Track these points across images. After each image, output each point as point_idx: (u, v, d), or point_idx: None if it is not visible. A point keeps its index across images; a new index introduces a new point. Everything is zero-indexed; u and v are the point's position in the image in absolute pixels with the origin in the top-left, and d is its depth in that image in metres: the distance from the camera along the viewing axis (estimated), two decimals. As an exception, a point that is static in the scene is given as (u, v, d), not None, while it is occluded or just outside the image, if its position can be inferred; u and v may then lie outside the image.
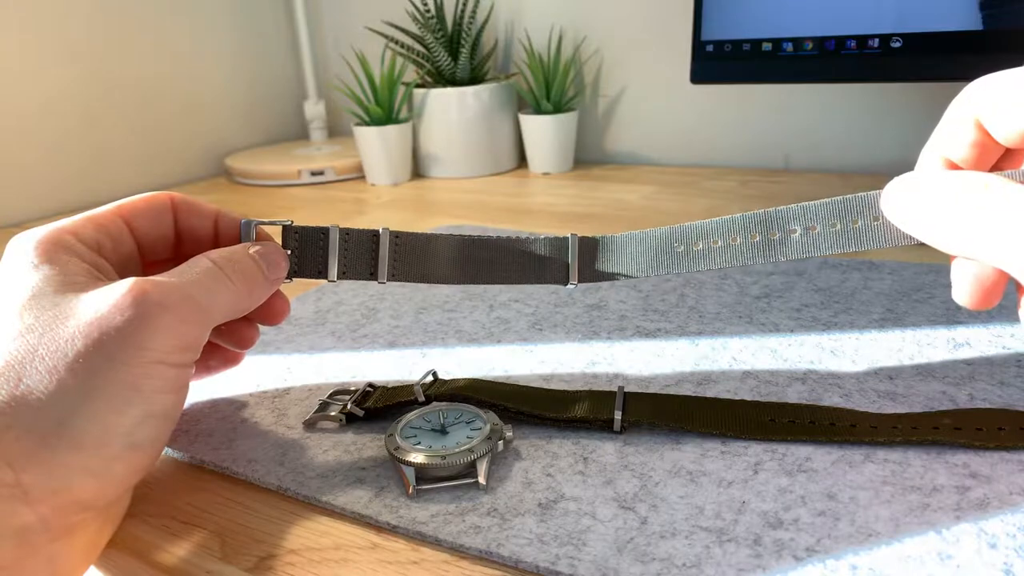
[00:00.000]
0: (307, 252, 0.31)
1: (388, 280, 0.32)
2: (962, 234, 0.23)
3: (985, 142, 0.24)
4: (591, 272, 0.32)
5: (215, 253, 0.28)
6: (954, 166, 0.26)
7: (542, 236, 0.32)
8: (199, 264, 0.27)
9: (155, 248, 0.31)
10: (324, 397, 0.33)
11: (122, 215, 0.29)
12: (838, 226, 0.28)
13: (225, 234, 0.31)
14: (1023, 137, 0.23)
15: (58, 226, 0.27)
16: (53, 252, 0.26)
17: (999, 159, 0.25)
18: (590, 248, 0.32)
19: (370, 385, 0.34)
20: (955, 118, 0.25)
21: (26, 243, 0.26)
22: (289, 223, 0.31)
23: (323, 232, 0.31)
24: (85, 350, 0.23)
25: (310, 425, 0.32)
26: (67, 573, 0.24)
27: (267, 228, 0.32)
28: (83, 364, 0.23)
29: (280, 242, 0.31)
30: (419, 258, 0.32)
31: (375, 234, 0.31)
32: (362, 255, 0.32)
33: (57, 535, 0.23)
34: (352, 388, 0.34)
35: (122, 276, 0.27)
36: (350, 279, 0.32)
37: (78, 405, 0.23)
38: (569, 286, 0.32)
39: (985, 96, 0.24)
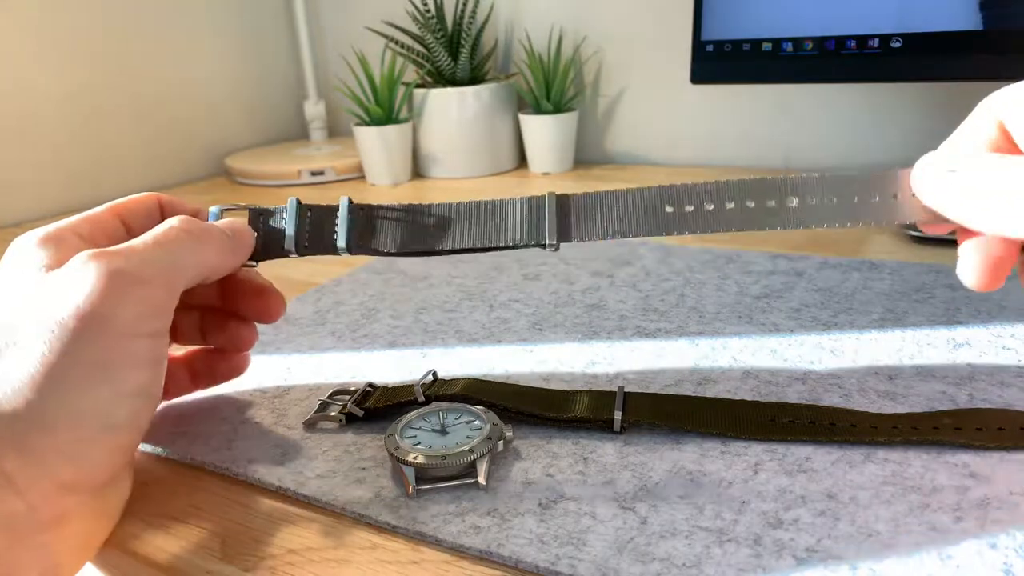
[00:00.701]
0: (271, 231, 0.31)
1: (353, 252, 0.31)
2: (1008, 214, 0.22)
3: (1006, 147, 0.24)
4: (571, 231, 0.30)
5: (178, 217, 0.28)
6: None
7: (518, 198, 0.31)
8: (160, 228, 0.27)
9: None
10: (324, 397, 0.33)
11: (116, 213, 0.30)
12: (835, 200, 0.27)
13: None
14: None
15: (57, 224, 0.28)
16: (49, 243, 0.26)
17: None
18: (570, 207, 0.30)
19: (370, 385, 0.33)
20: (978, 120, 0.25)
21: (27, 238, 0.27)
22: (253, 206, 0.31)
23: (283, 210, 0.31)
24: (50, 329, 0.23)
25: (310, 425, 0.32)
26: (61, 566, 0.24)
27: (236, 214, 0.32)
28: (49, 344, 0.23)
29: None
30: (381, 230, 0.31)
31: (335, 208, 0.31)
32: (323, 228, 0.31)
33: (47, 524, 0.23)
34: (352, 388, 0.34)
35: None
36: (312, 254, 0.31)
37: (47, 387, 0.22)
38: (548, 249, 0.30)
39: (1011, 101, 0.24)
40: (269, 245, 0.31)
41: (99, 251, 0.24)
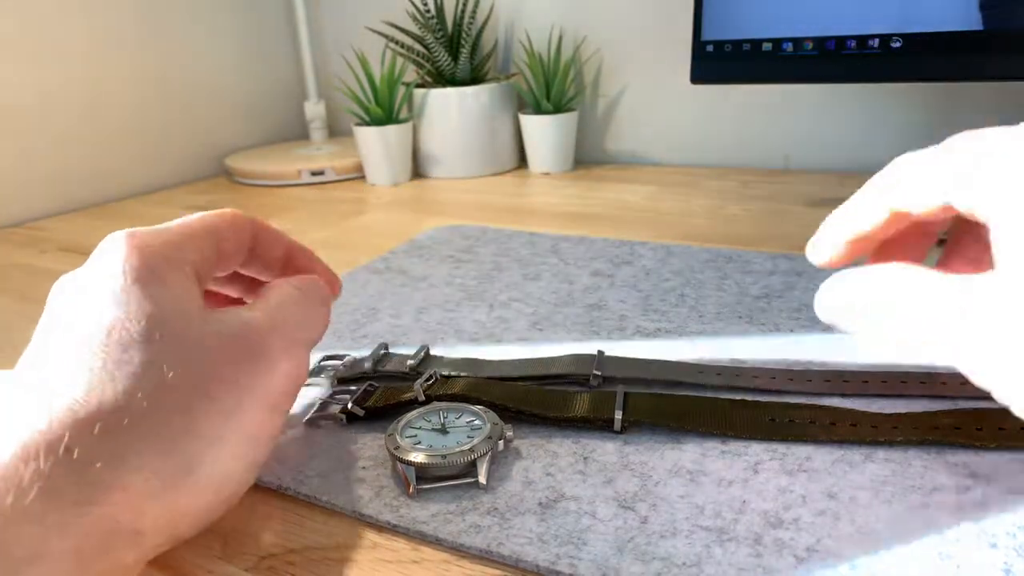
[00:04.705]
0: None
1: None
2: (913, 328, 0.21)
3: (895, 219, 0.24)
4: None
5: (296, 280, 0.29)
6: (863, 239, 0.25)
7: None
8: (290, 295, 0.27)
9: (227, 266, 0.29)
10: (325, 396, 0.33)
11: (213, 232, 0.27)
12: None
13: (292, 263, 0.31)
14: (930, 213, 0.22)
15: (164, 240, 0.25)
16: (166, 271, 0.24)
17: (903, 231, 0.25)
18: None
19: (371, 384, 0.33)
20: (868, 193, 0.24)
21: (135, 256, 0.24)
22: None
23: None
24: (217, 392, 0.23)
25: (311, 424, 0.32)
26: None
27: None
28: (215, 407, 0.22)
29: None
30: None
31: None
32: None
33: (140, 567, 0.23)
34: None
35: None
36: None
37: (204, 450, 0.22)
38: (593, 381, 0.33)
39: (897, 178, 0.23)
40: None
41: (263, 322, 0.25)
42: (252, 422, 0.24)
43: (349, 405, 0.32)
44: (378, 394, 0.33)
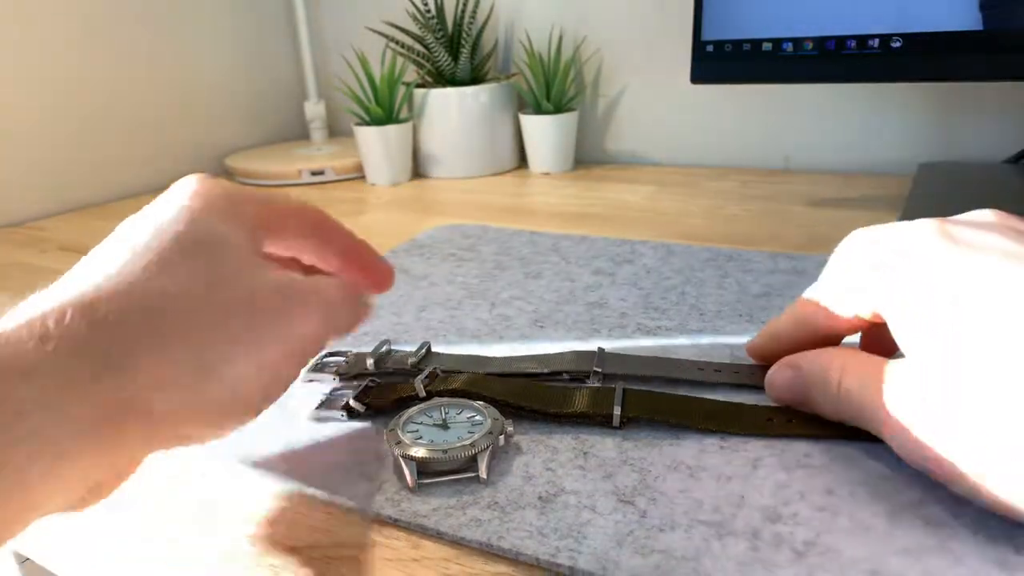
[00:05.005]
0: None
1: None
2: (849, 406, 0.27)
3: (817, 338, 0.30)
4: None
5: (342, 279, 0.30)
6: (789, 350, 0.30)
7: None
8: (333, 282, 0.29)
9: (282, 240, 0.30)
10: (326, 392, 0.33)
11: (274, 205, 0.29)
12: None
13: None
14: (848, 328, 0.29)
15: (228, 190, 0.27)
16: (228, 216, 0.26)
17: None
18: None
19: (372, 380, 0.34)
20: (792, 323, 0.31)
21: (204, 192, 0.26)
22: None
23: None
24: (248, 319, 0.24)
25: (312, 420, 0.32)
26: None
27: None
28: (243, 333, 0.23)
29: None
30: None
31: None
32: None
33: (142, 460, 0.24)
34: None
35: None
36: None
37: (223, 361, 0.23)
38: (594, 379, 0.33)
39: (814, 307, 0.29)
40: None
41: (328, 309, 0.27)
42: (271, 359, 0.24)
43: (350, 401, 0.32)
44: (379, 390, 0.33)
